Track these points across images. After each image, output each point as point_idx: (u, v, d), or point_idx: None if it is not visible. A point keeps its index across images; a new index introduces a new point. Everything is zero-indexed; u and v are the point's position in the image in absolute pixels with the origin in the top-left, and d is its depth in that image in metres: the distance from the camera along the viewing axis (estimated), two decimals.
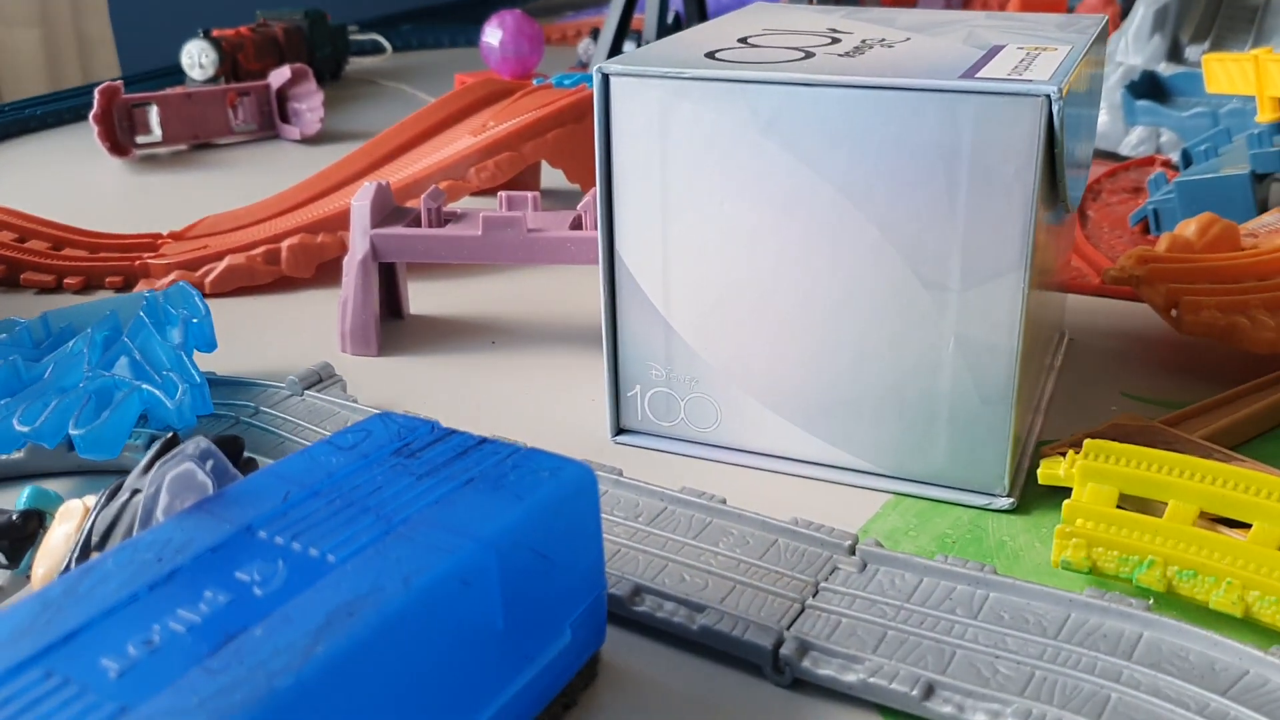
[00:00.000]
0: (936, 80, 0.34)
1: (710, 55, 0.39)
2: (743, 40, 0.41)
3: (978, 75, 0.34)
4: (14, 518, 0.32)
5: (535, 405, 0.45)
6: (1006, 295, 0.35)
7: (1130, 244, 0.60)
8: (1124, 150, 0.73)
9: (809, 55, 0.38)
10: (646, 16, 0.91)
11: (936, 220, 0.35)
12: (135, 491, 0.30)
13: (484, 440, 0.30)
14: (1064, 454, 0.38)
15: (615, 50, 0.86)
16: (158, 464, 0.31)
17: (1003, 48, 0.39)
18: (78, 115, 0.97)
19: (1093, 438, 0.37)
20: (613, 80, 0.38)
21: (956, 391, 0.37)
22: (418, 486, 0.27)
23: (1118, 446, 0.35)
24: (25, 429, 0.36)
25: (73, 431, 0.36)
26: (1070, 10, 1.06)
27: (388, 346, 0.51)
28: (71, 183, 0.79)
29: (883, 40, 0.41)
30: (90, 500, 0.31)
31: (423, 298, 0.56)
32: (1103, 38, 0.45)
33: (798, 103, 0.36)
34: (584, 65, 0.98)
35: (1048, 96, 0.33)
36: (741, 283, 0.38)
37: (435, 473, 0.28)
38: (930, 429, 0.37)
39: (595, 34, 0.99)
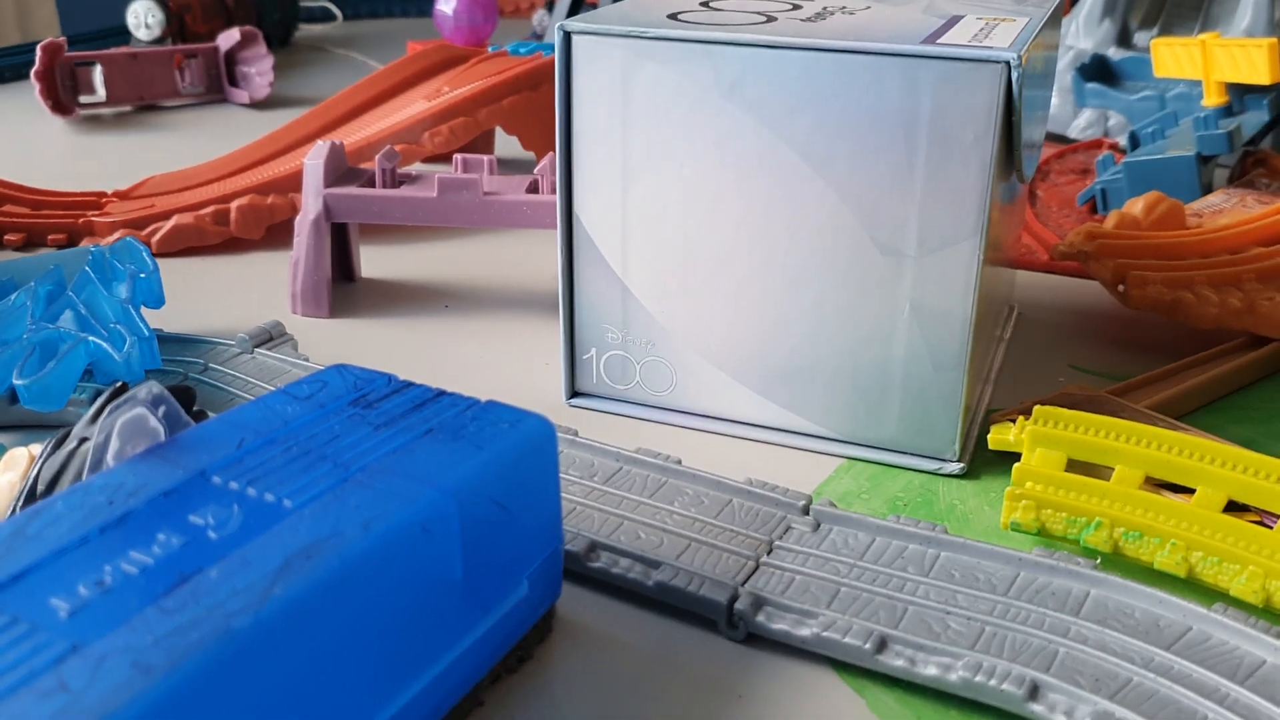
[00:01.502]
0: (898, 45, 0.34)
1: (673, 16, 0.39)
2: (705, 4, 0.41)
3: (939, 41, 0.35)
4: None
5: (489, 369, 0.45)
6: (962, 262, 0.35)
7: (1078, 223, 0.61)
8: (1072, 133, 0.74)
9: (771, 19, 0.38)
10: None
11: (895, 186, 0.35)
12: (83, 440, 0.30)
13: (442, 393, 0.30)
14: (1014, 420, 0.38)
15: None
16: (107, 410, 0.30)
17: (962, 17, 0.39)
18: (17, 74, 0.95)
19: (1042, 405, 0.38)
20: (574, 39, 0.38)
21: (910, 358, 0.37)
22: (376, 436, 0.27)
23: (1067, 413, 0.35)
24: None
25: (17, 382, 0.35)
26: None
27: (339, 308, 0.50)
28: (11, 141, 0.77)
29: (844, 8, 0.41)
30: (35, 449, 0.30)
31: (375, 261, 0.55)
32: (1057, 17, 0.45)
33: (761, 65, 0.36)
34: (538, 36, 0.98)
35: (1007, 63, 0.33)
36: (700, 246, 0.38)
37: (393, 423, 0.28)
38: (884, 395, 0.38)
39: (550, 5, 0.98)
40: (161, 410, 0.27)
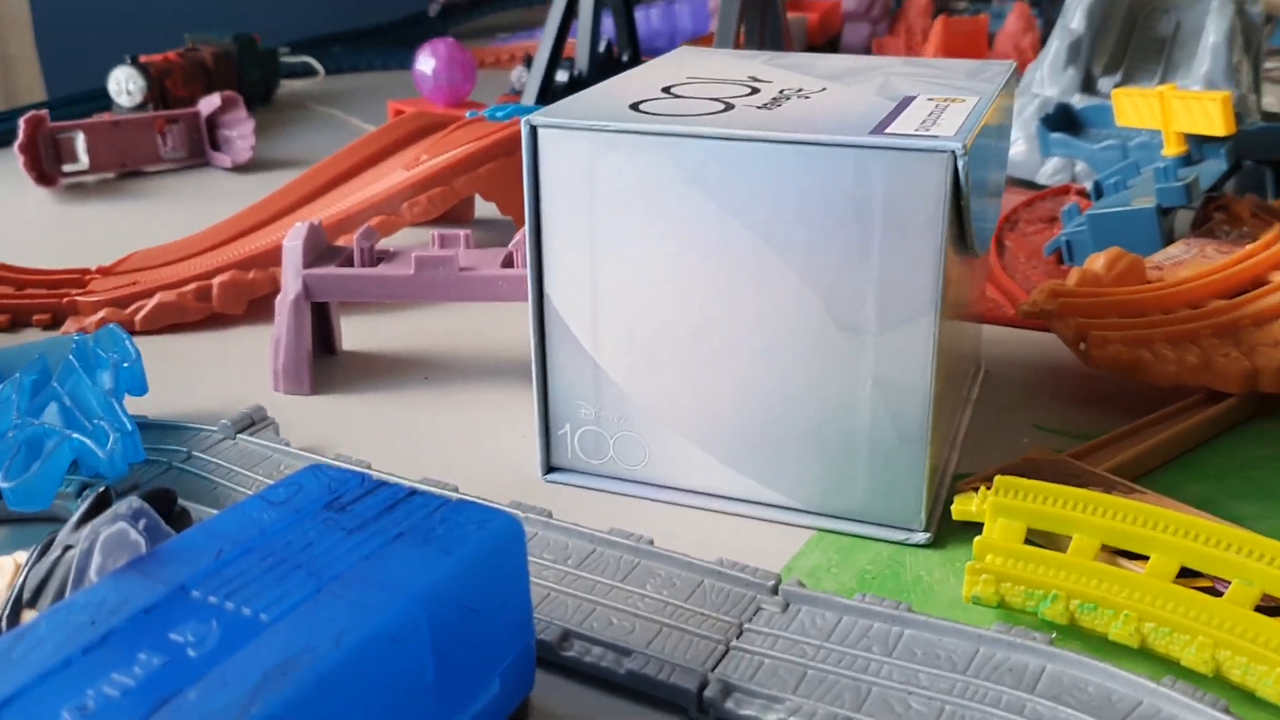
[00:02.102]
0: (848, 136, 0.35)
1: (635, 106, 0.40)
2: (666, 90, 0.43)
3: (887, 131, 0.36)
4: None
5: (468, 443, 0.46)
6: (920, 338, 0.37)
7: (1045, 274, 0.62)
8: (1041, 179, 0.76)
9: (729, 107, 0.40)
10: (579, 44, 0.92)
11: (852, 266, 0.37)
12: (67, 548, 0.31)
13: (414, 491, 0.31)
14: (977, 489, 0.39)
15: (548, 79, 0.87)
16: (90, 521, 0.31)
17: (914, 99, 0.40)
18: (2, 142, 0.96)
19: (1005, 472, 0.39)
20: (540, 132, 0.39)
21: (875, 430, 0.38)
22: (348, 541, 0.28)
23: (1026, 483, 0.36)
24: None
25: (3, 484, 0.36)
26: (991, 37, 1.09)
27: (320, 384, 0.51)
28: None
29: (800, 90, 0.42)
30: (21, 557, 0.31)
31: (355, 333, 0.56)
32: (1013, 80, 0.46)
33: (719, 155, 0.37)
34: (517, 92, 0.99)
35: (953, 153, 0.34)
36: (668, 325, 0.39)
37: (365, 527, 0.29)
38: (851, 466, 0.39)
39: (528, 61, 1.00)
40: (142, 523, 0.28)
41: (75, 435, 0.38)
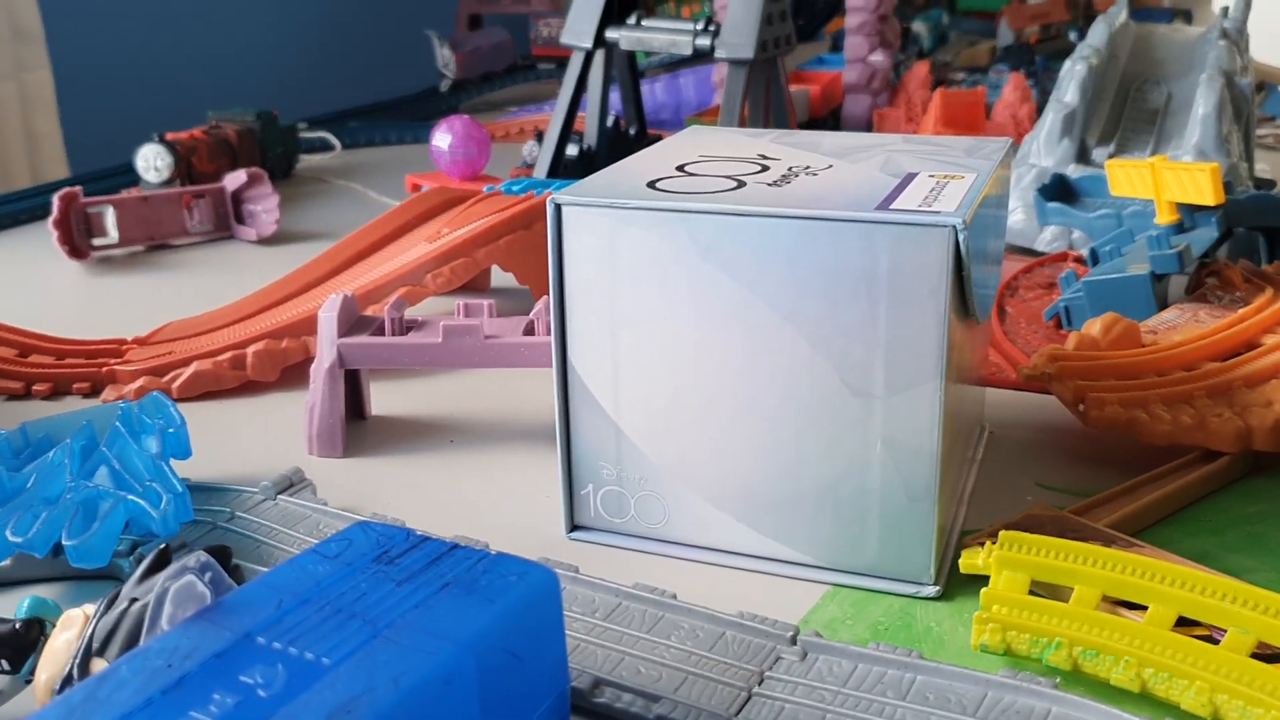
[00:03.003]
0: (855, 211, 0.38)
1: (652, 184, 0.43)
2: (681, 168, 0.45)
3: (892, 206, 0.38)
4: (16, 626, 0.34)
5: (494, 503, 0.48)
6: (926, 402, 0.39)
7: (1045, 338, 0.64)
8: (1039, 246, 0.79)
9: (741, 184, 0.42)
10: (588, 120, 0.95)
11: (861, 335, 0.39)
12: (133, 600, 0.33)
13: (455, 546, 0.33)
14: (983, 544, 0.41)
15: (559, 155, 0.90)
16: (155, 575, 0.33)
17: (915, 175, 0.43)
18: (32, 216, 0.99)
19: (1009, 528, 0.41)
20: (564, 209, 0.42)
21: (886, 490, 0.40)
22: (398, 592, 0.30)
23: (1030, 537, 0.38)
24: (18, 540, 0.39)
25: (66, 543, 0.38)
26: (989, 107, 1.12)
27: (352, 448, 0.54)
28: (30, 287, 0.81)
29: (807, 168, 0.45)
30: (89, 609, 0.33)
31: (384, 397, 0.59)
32: (1009, 154, 0.49)
33: (731, 230, 0.40)
34: (529, 166, 1.02)
35: (954, 227, 0.37)
36: (686, 390, 0.42)
37: (413, 578, 0.31)
38: (863, 524, 0.41)
39: (539, 136, 1.03)
40: (208, 576, 0.30)
41: (130, 497, 0.41)
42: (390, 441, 0.54)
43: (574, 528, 0.45)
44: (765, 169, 0.45)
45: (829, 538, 0.42)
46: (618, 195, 0.41)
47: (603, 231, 0.41)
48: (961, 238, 0.37)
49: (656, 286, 0.41)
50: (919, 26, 1.63)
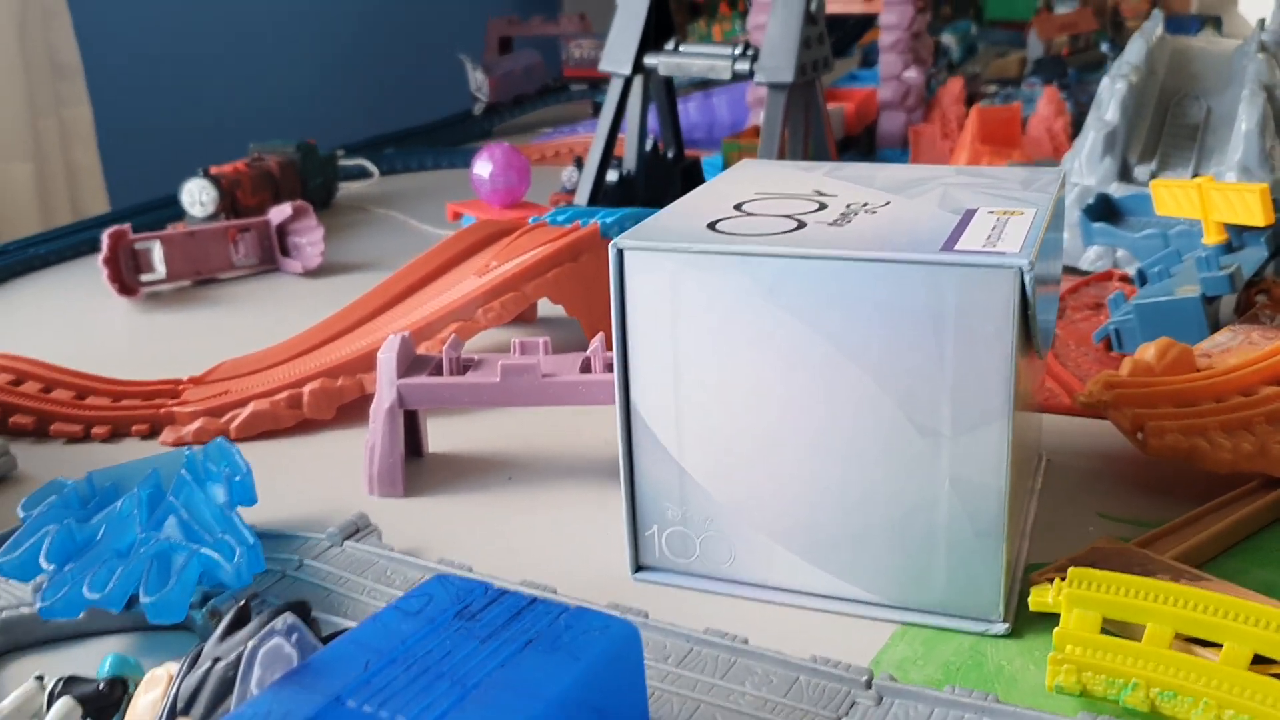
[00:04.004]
0: (920, 254, 0.38)
1: (712, 226, 0.43)
2: (739, 207, 0.46)
3: (956, 248, 0.39)
4: (100, 687, 0.34)
5: (558, 543, 0.49)
6: (994, 440, 0.39)
7: (1095, 361, 0.64)
8: (1084, 265, 0.78)
9: (801, 225, 0.43)
10: (627, 144, 0.95)
11: (927, 374, 0.39)
12: (215, 659, 0.33)
13: (534, 599, 0.33)
14: (1051, 580, 0.41)
15: (599, 181, 0.91)
16: (236, 632, 0.34)
17: (975, 212, 0.43)
18: (76, 252, 1.00)
19: (1075, 563, 0.41)
20: (626, 253, 0.42)
21: (953, 527, 0.40)
22: (482, 650, 0.30)
23: (1099, 574, 0.38)
24: (95, 596, 0.39)
25: (144, 600, 0.39)
26: (1025, 121, 1.12)
27: (412, 486, 0.54)
28: (81, 325, 0.82)
29: (865, 205, 0.45)
30: (172, 668, 0.34)
31: (440, 434, 0.59)
32: (1060, 188, 0.49)
33: (794, 272, 0.40)
34: (569, 191, 1.03)
35: (1020, 269, 0.37)
36: (750, 430, 0.42)
37: (496, 635, 0.31)
38: (930, 562, 0.41)
39: (578, 162, 1.04)
40: (295, 637, 0.31)
41: (203, 550, 0.41)
42: (449, 480, 0.55)
43: (639, 568, 0.45)
44: (823, 206, 0.45)
45: (897, 576, 0.42)
46: (679, 238, 0.42)
47: (665, 274, 0.42)
48: (1027, 279, 0.37)
49: (720, 328, 0.41)
50: (947, 39, 1.62)
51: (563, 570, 0.46)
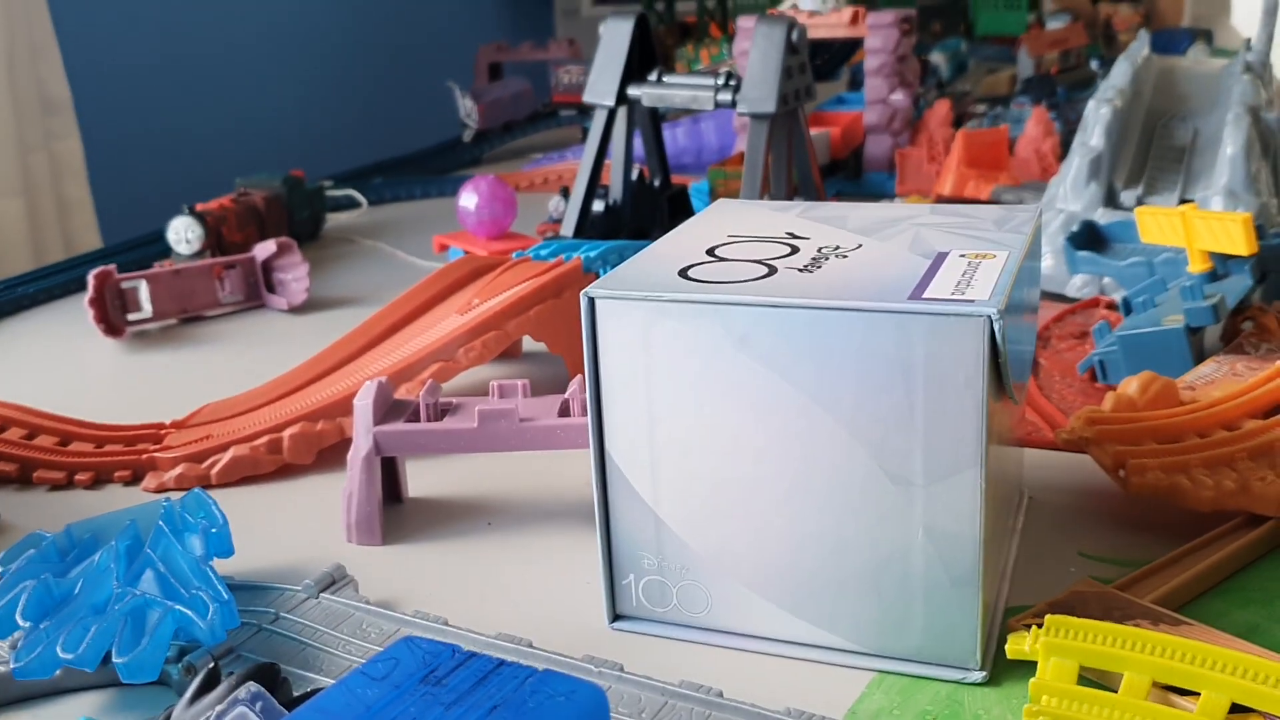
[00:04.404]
0: (888, 302, 0.38)
1: (684, 273, 0.43)
2: (711, 252, 0.45)
3: (925, 295, 0.38)
4: None
5: (535, 592, 0.48)
6: (967, 488, 0.39)
7: (1079, 392, 0.64)
8: (1069, 292, 0.78)
9: (772, 270, 0.42)
10: (613, 173, 0.95)
11: (899, 423, 0.39)
12: None
13: (502, 663, 0.33)
14: (1029, 627, 0.41)
15: (585, 211, 0.91)
16: (205, 694, 0.33)
17: (946, 255, 0.43)
18: (66, 291, 1.00)
19: (1054, 607, 0.41)
20: (598, 302, 0.42)
21: (928, 575, 0.40)
22: (447, 716, 0.30)
23: (1077, 622, 0.38)
24: (69, 656, 0.39)
25: (116, 660, 0.38)
26: (1013, 142, 1.12)
27: (390, 534, 0.54)
28: (67, 365, 0.82)
29: (837, 248, 0.45)
30: None
31: (420, 478, 0.59)
32: (1037, 230, 0.49)
33: (765, 321, 0.40)
34: (555, 221, 1.03)
35: (988, 317, 0.37)
36: (725, 479, 0.42)
37: (462, 700, 0.31)
38: (907, 610, 0.41)
39: (565, 192, 1.04)
40: (259, 705, 0.31)
41: (177, 606, 0.41)
42: (428, 526, 0.55)
43: (616, 617, 0.45)
44: (795, 250, 0.45)
45: (873, 624, 0.41)
46: (651, 287, 0.41)
47: (637, 323, 0.41)
48: (996, 327, 0.37)
49: (693, 377, 0.41)
50: (937, 57, 1.63)
51: (540, 620, 0.46)
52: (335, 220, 1.20)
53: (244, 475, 0.60)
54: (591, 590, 0.47)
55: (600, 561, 0.44)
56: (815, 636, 0.42)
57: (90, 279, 0.84)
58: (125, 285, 0.86)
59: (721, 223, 0.50)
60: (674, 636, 0.44)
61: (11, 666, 0.40)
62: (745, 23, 1.15)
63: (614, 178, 0.96)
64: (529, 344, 0.78)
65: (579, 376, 0.54)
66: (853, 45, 1.63)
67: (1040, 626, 0.39)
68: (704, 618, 0.44)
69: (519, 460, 0.61)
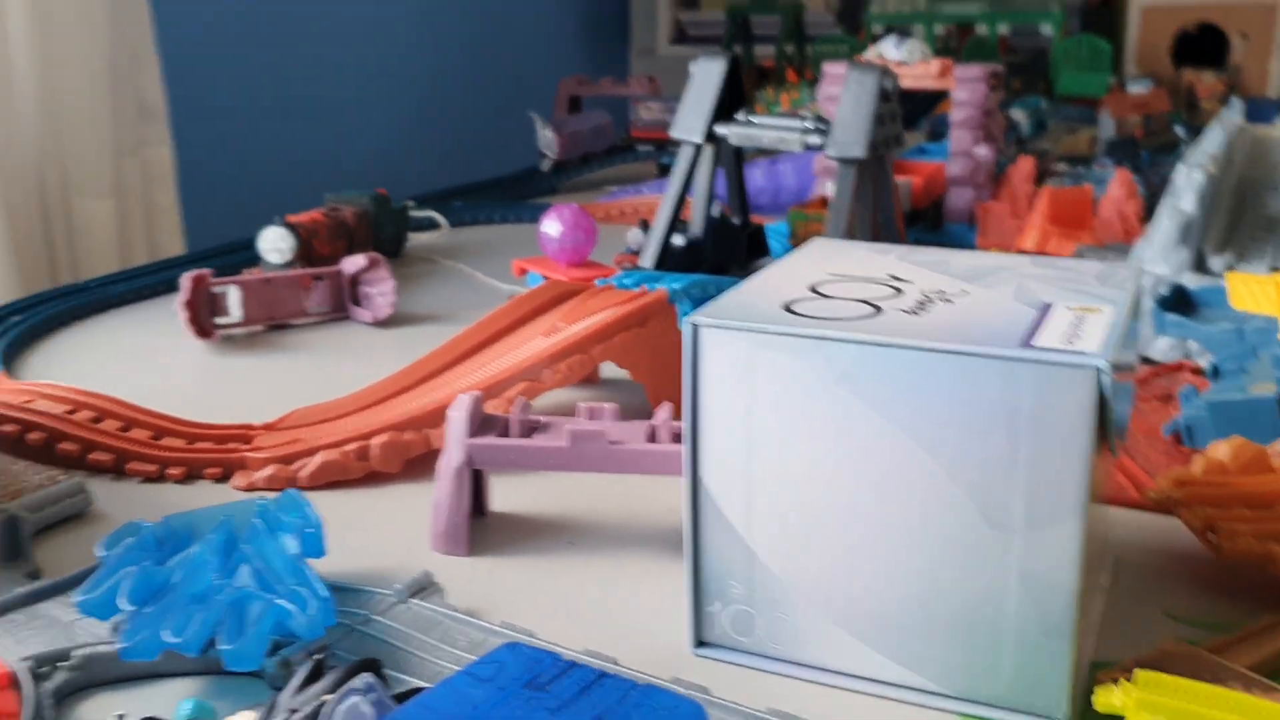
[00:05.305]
0: (998, 348, 0.38)
1: (788, 307, 0.43)
2: (814, 289, 0.46)
3: (1033, 344, 0.39)
4: None
5: (618, 612, 0.49)
6: (1067, 537, 0.39)
7: (1165, 454, 0.64)
8: (1155, 354, 0.78)
9: (877, 310, 0.43)
10: (694, 208, 0.96)
11: (1001, 468, 0.39)
12: (291, 711, 0.34)
13: (603, 674, 0.33)
14: (1117, 681, 0.41)
15: (665, 245, 0.92)
16: (311, 685, 0.34)
17: (1052, 306, 0.43)
18: (154, 292, 1.02)
19: (1142, 665, 0.41)
20: (702, 330, 0.43)
21: (1020, 622, 0.40)
22: None
23: (1168, 679, 0.38)
24: (174, 640, 0.40)
25: (222, 647, 0.40)
26: (1096, 203, 1.12)
27: (474, 545, 0.55)
28: (157, 364, 0.84)
29: (941, 293, 0.45)
30: (248, 715, 0.35)
31: (503, 492, 0.60)
32: (1138, 280, 0.49)
33: (870, 359, 0.40)
34: (634, 252, 1.04)
35: (1098, 368, 0.37)
36: (820, 513, 0.42)
37: (565, 708, 0.32)
38: (996, 655, 0.41)
39: (644, 224, 1.05)
40: (372, 696, 0.31)
41: (278, 600, 0.42)
42: (511, 541, 0.55)
43: (700, 643, 0.46)
44: (899, 293, 0.45)
45: (961, 667, 0.41)
46: (755, 318, 0.42)
47: (740, 353, 0.42)
48: (1105, 380, 0.37)
49: (793, 410, 0.42)
50: (1018, 114, 1.63)
51: (623, 641, 0.46)
52: (416, 240, 1.22)
53: (332, 480, 0.61)
54: (675, 617, 0.48)
55: (687, 587, 0.45)
56: (901, 676, 0.42)
57: (185, 282, 0.86)
58: (216, 290, 0.89)
59: (822, 261, 0.51)
60: (758, 667, 0.44)
61: (119, 647, 0.41)
62: (834, 69, 1.16)
63: (695, 213, 0.97)
64: (606, 371, 0.79)
65: (666, 404, 0.55)
66: (936, 97, 1.64)
67: (1129, 681, 0.39)
68: (789, 650, 0.44)
69: (600, 482, 0.62)
